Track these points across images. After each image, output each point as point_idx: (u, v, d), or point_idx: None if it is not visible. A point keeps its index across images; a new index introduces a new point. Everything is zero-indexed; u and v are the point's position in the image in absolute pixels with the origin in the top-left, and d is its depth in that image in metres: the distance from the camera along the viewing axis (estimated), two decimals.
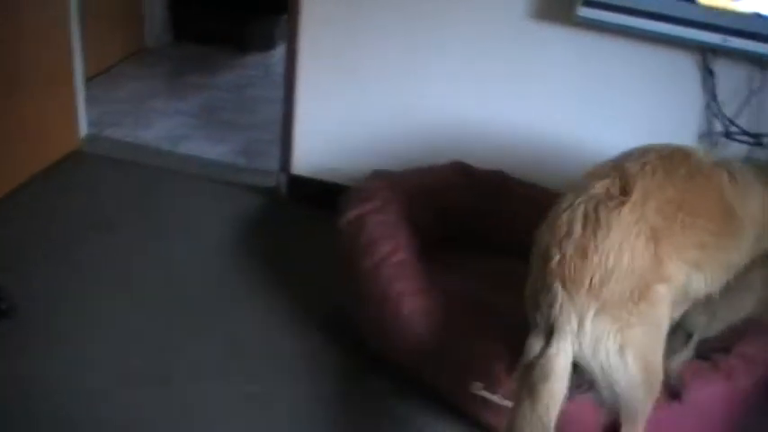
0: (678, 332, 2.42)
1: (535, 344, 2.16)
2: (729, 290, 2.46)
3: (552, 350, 2.13)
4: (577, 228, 2.16)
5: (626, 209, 2.16)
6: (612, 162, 2.33)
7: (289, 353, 2.81)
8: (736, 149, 3.08)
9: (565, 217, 2.20)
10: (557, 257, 2.16)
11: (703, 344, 2.51)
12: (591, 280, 2.12)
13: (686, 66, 3.12)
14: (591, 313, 2.12)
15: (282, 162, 3.80)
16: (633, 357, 2.15)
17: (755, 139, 3.07)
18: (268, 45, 5.67)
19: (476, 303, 2.73)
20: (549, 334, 2.14)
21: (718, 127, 3.12)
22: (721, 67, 3.06)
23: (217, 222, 3.58)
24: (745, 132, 3.08)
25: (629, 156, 2.34)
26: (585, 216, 2.17)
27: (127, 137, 4.28)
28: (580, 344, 2.14)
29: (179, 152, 4.19)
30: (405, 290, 2.64)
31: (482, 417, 2.49)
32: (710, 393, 2.43)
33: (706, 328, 2.50)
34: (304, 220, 3.61)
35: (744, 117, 3.08)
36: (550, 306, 2.15)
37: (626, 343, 2.14)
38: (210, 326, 2.89)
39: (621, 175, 2.24)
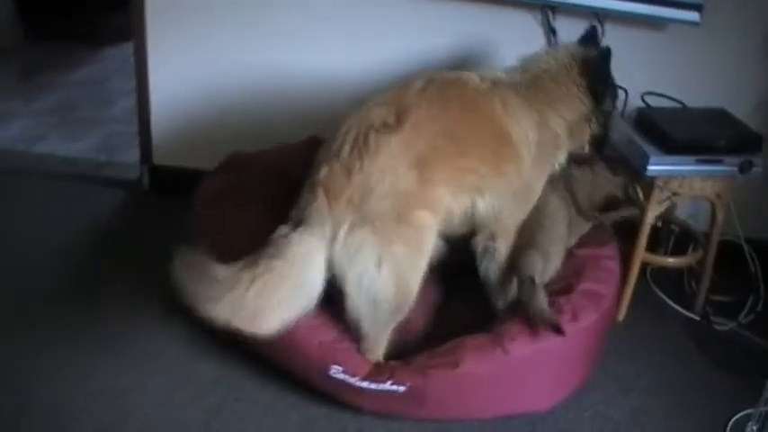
0: (525, 281, 2.52)
1: (283, 229, 2.36)
2: (543, 225, 2.65)
3: (294, 236, 2.33)
4: (346, 149, 2.36)
5: (395, 138, 2.36)
6: (396, 90, 2.51)
7: (155, 343, 2.76)
8: None
9: (339, 139, 2.40)
10: (324, 171, 2.37)
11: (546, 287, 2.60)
12: (351, 196, 2.33)
13: (531, 25, 3.20)
14: (346, 225, 2.33)
15: (143, 153, 3.72)
16: (389, 271, 2.36)
17: None
18: (123, 37, 5.50)
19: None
20: (298, 225, 2.35)
21: None
22: (563, 24, 3.15)
23: (74, 223, 3.45)
24: None
25: (411, 84, 2.50)
26: (356, 140, 2.37)
27: None
28: (334, 251, 2.33)
29: (35, 152, 4.04)
30: None
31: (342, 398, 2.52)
32: (560, 337, 2.47)
33: (544, 270, 2.59)
34: (167, 211, 3.52)
35: None
36: (308, 204, 2.36)
37: (384, 257, 2.35)
38: (71, 328, 2.79)
39: (399, 104, 2.43)
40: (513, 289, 2.61)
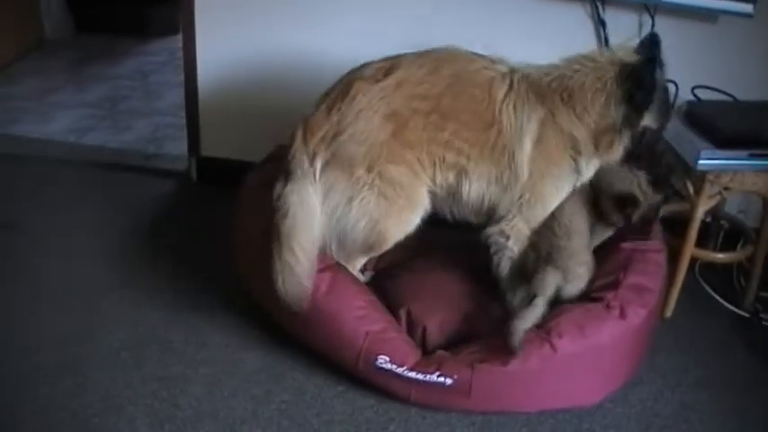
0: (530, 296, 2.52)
1: (278, 187, 2.55)
2: (560, 239, 2.60)
3: (287, 189, 2.53)
4: (332, 95, 2.56)
5: (375, 87, 2.52)
6: (409, 54, 2.62)
7: (203, 332, 2.79)
8: None
9: (333, 87, 2.60)
10: (310, 114, 2.58)
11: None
12: (326, 133, 2.53)
13: (579, 18, 3.18)
14: (320, 162, 2.53)
15: (191, 145, 3.76)
16: (360, 213, 2.56)
17: None
18: (171, 30, 5.58)
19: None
20: (287, 177, 2.55)
21: None
22: (611, 17, 3.12)
23: (127, 212, 3.51)
24: None
25: (425, 51, 2.61)
26: (344, 86, 2.56)
27: (30, 132, 4.19)
28: (315, 187, 2.53)
29: (85, 144, 4.10)
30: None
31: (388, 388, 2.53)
32: (608, 334, 2.48)
33: (564, 285, 2.58)
34: (216, 202, 3.57)
35: None
36: (289, 149, 2.56)
37: (355, 199, 2.55)
38: (124, 315, 2.86)
39: (394, 63, 2.57)
40: (520, 297, 2.58)
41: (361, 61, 2.62)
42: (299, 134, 2.57)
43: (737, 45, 3.14)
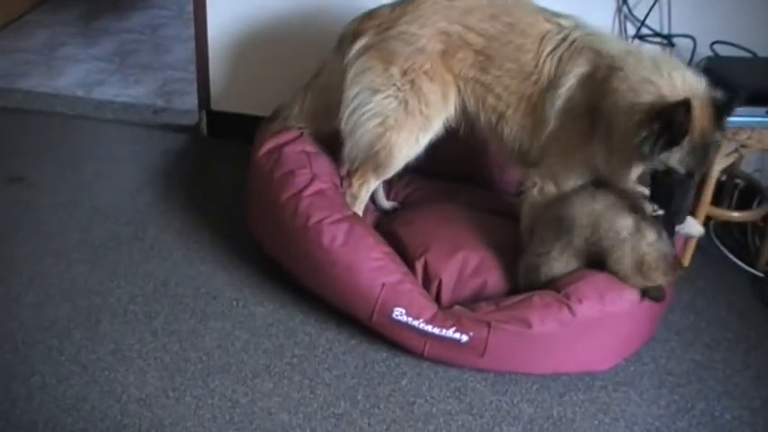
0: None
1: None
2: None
3: (333, 56, 2.79)
4: (401, 3, 2.68)
5: (444, 2, 2.62)
6: None
7: (214, 286, 2.79)
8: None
9: None
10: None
11: None
12: (382, 22, 2.65)
13: None
14: (361, 43, 2.66)
15: (201, 99, 3.72)
16: (376, 108, 2.66)
17: (667, 39, 3.08)
18: None
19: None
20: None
21: (631, 29, 3.13)
22: None
23: (136, 166, 3.50)
24: (656, 33, 3.09)
25: None
26: None
27: (39, 87, 4.15)
28: (347, 61, 2.68)
29: (94, 98, 4.07)
30: (323, 219, 2.61)
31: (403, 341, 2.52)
32: (627, 301, 2.44)
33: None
34: (226, 156, 3.56)
35: (654, 18, 3.09)
36: (348, 26, 2.75)
37: (378, 93, 2.65)
38: (134, 268, 2.85)
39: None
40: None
41: None
42: (360, 16, 2.73)
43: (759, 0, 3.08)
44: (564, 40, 2.52)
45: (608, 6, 3.13)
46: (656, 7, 3.05)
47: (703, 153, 2.33)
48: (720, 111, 2.32)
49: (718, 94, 2.33)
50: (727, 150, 2.78)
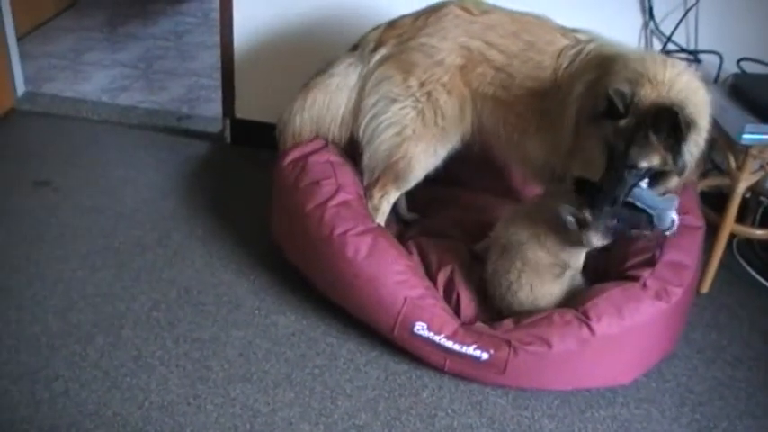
0: None
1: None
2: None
3: (342, 58, 2.83)
4: (428, 9, 2.71)
5: (467, 17, 2.63)
6: (508, 9, 2.69)
7: (236, 294, 2.80)
8: None
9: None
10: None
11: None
12: (403, 33, 2.68)
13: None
14: (382, 53, 2.70)
15: (225, 107, 3.74)
16: (394, 117, 2.68)
17: (693, 55, 3.08)
18: None
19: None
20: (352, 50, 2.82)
21: (657, 45, 3.13)
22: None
23: (161, 172, 3.51)
24: (682, 49, 3.09)
25: (524, 13, 2.66)
26: (440, 4, 2.69)
27: (65, 92, 4.19)
28: (366, 70, 2.73)
29: (119, 104, 4.10)
30: (348, 230, 2.61)
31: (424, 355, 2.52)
32: (645, 315, 2.44)
33: None
34: (249, 164, 3.57)
35: (681, 34, 3.08)
36: (370, 32, 2.77)
37: (396, 103, 2.67)
38: (157, 274, 2.87)
39: (493, 9, 2.66)
40: None
41: None
42: (383, 25, 2.75)
43: None
44: (579, 53, 2.52)
45: (634, 22, 3.13)
46: (682, 23, 3.05)
47: (627, 143, 2.26)
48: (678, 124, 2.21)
49: (688, 110, 2.25)
50: (753, 168, 2.77)
